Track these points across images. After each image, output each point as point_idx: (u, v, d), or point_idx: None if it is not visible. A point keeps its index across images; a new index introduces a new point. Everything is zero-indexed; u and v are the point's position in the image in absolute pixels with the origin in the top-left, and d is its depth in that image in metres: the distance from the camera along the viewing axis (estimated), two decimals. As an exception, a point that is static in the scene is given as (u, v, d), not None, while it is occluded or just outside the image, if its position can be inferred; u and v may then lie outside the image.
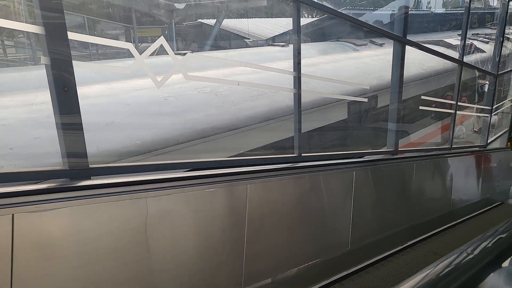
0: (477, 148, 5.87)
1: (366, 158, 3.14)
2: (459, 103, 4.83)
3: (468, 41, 9.65)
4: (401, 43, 3.37)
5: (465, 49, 4.19)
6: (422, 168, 4.10)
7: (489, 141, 6.03)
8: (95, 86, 3.30)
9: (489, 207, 6.07)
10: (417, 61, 6.65)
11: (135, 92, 3.35)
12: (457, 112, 5.23)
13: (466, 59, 8.35)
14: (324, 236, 3.00)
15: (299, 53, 2.61)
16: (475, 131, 7.30)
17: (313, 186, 2.79)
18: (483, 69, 5.71)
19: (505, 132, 6.78)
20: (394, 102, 3.27)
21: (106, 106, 3.01)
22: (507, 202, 6.68)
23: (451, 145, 4.59)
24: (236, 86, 3.90)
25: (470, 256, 3.25)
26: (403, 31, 3.36)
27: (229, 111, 3.54)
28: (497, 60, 5.26)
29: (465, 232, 4.36)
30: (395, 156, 3.42)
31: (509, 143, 6.60)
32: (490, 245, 3.64)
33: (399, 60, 3.31)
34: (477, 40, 9.31)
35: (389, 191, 3.61)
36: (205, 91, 3.66)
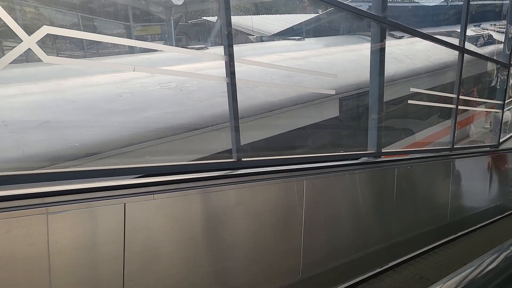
0: (488, 148, 5.26)
1: (334, 162, 2.63)
2: (464, 97, 4.24)
3: (484, 32, 8.96)
4: (378, 23, 2.80)
5: (465, 33, 3.64)
6: (409, 173, 3.45)
7: (502, 139, 5.40)
8: (44, 83, 2.98)
9: (500, 216, 5.37)
10: (423, 53, 6.10)
11: (87, 88, 3.00)
12: (461, 107, 4.68)
13: (482, 50, 7.69)
14: (263, 263, 2.39)
15: (230, 33, 2.16)
16: (485, 128, 6.64)
17: (254, 199, 2.28)
18: (494, 58, 5.11)
19: None
20: (374, 96, 2.77)
21: (45, 103, 2.67)
22: None
23: (453, 145, 4.03)
24: (207, 82, 3.51)
25: (471, 278, 2.75)
26: (381, 8, 2.74)
27: (193, 109, 3.16)
28: (509, 48, 4.66)
29: (466, 248, 3.77)
30: (377, 160, 2.93)
31: None
32: (498, 264, 3.10)
33: (377, 45, 2.77)
34: (494, 30, 8.61)
35: (361, 202, 3.03)
36: (170, 86, 3.28)
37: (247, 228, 2.27)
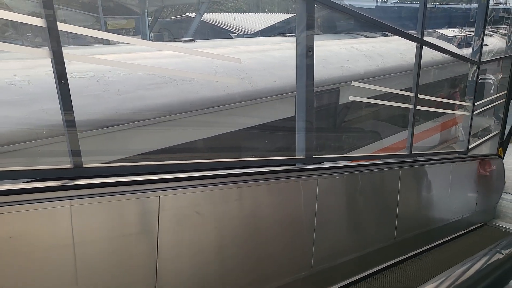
0: (456, 155, 4.83)
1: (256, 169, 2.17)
2: (436, 99, 3.79)
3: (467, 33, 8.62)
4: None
5: (424, 24, 3.21)
6: (337, 184, 2.75)
7: (475, 144, 5.00)
8: None
9: (463, 231, 4.81)
10: (398, 52, 5.70)
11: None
12: (433, 109, 4.27)
13: (466, 52, 7.30)
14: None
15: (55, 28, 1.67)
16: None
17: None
18: (462, 55, 4.70)
19: (495, 135, 5.64)
20: (302, 88, 2.29)
21: None
22: (492, 224, 5.40)
23: (410, 151, 3.57)
24: (132, 72, 3.05)
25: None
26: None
27: (107, 102, 2.69)
28: (478, 44, 4.23)
29: (417, 270, 3.30)
30: (304, 167, 2.47)
31: (500, 150, 5.47)
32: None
33: (303, 26, 2.23)
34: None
35: (273, 221, 2.39)
36: (85, 76, 2.82)
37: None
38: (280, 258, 2.48)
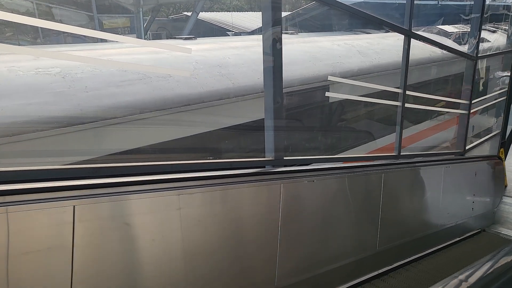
0: (453, 156, 4.58)
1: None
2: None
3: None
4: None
5: (411, 15, 2.96)
6: (310, 190, 2.45)
7: (475, 145, 4.74)
8: None
9: (458, 238, 4.46)
10: (394, 49, 5.48)
11: None
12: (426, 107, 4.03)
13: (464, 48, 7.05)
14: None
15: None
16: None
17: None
18: (457, 49, 4.44)
19: (495, 134, 5.35)
20: (269, 84, 2.08)
21: None
22: (490, 230, 5.03)
23: (399, 152, 3.33)
24: (106, 69, 2.88)
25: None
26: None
27: (71, 100, 2.52)
28: (475, 38, 3.99)
29: (398, 285, 3.03)
30: (264, 171, 2.16)
31: (501, 151, 5.18)
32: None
33: (268, 21, 2.02)
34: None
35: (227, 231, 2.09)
36: (50, 72, 2.65)
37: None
38: (235, 277, 2.15)
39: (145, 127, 2.69)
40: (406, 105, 3.27)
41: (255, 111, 3.51)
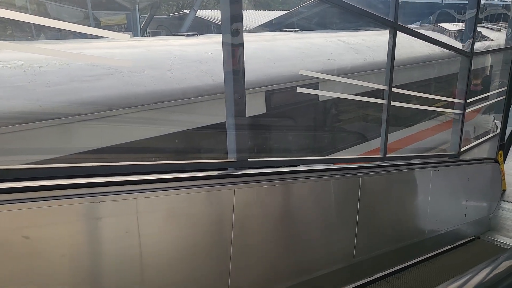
0: (446, 158, 4.33)
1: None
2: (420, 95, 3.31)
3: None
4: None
5: (397, 7, 2.74)
6: (271, 195, 2.22)
7: (470, 146, 4.49)
8: None
9: (449, 247, 4.21)
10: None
11: None
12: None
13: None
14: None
15: None
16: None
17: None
18: (452, 45, 4.20)
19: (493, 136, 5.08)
20: (229, 80, 1.86)
21: None
22: (485, 237, 4.71)
23: (385, 154, 3.10)
24: (74, 63, 2.72)
25: None
26: None
27: (29, 95, 2.35)
28: (471, 34, 3.75)
29: None
30: (212, 174, 1.92)
31: (500, 153, 4.90)
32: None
33: (227, 14, 1.81)
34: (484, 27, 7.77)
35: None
36: (10, 65, 2.48)
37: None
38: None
39: (109, 125, 2.52)
40: (392, 103, 3.05)
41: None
